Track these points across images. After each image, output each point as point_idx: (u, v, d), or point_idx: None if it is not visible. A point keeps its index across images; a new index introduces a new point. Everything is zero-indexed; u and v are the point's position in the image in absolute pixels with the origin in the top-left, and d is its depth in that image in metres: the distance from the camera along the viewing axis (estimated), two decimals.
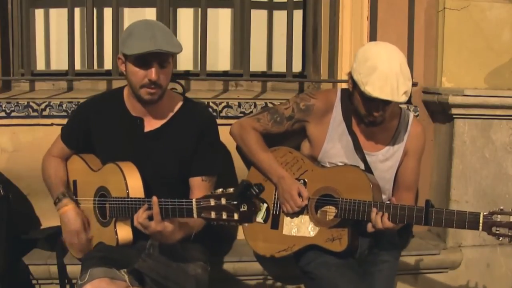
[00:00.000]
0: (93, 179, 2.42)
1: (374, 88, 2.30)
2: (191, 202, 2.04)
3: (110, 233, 2.33)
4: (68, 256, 2.66)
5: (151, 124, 2.43)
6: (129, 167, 2.32)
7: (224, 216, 1.95)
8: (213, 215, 1.97)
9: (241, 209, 1.93)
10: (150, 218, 2.12)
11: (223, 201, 1.95)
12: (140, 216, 2.13)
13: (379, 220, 2.32)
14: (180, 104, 2.47)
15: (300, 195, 2.50)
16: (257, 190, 1.94)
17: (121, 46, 2.30)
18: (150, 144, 2.41)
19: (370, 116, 2.44)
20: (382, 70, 2.30)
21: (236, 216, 1.94)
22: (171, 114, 2.44)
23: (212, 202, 1.97)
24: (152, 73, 2.25)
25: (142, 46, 2.20)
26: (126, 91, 2.47)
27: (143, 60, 2.25)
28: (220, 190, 1.98)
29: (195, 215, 2.03)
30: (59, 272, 2.65)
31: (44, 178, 2.58)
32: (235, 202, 1.93)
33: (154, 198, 2.11)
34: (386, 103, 2.35)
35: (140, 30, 2.26)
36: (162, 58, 2.26)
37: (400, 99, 2.31)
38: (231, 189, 1.96)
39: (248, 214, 1.94)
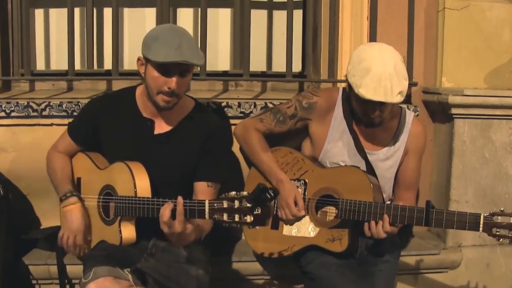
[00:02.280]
0: (98, 177, 2.41)
1: (368, 90, 2.30)
2: (204, 203, 2.05)
3: (114, 232, 2.33)
4: (68, 256, 2.65)
5: (161, 127, 2.42)
6: (137, 167, 2.32)
7: (237, 218, 1.97)
8: (225, 217, 1.99)
9: (255, 212, 1.95)
10: (173, 216, 2.10)
11: (236, 203, 1.96)
12: (166, 215, 2.10)
13: (381, 231, 2.33)
14: (191, 109, 2.47)
15: (296, 204, 2.50)
16: (272, 194, 1.96)
17: (144, 48, 2.27)
18: (157, 147, 2.41)
19: (367, 117, 2.44)
20: (376, 72, 2.29)
21: (249, 219, 1.95)
22: (181, 119, 2.44)
23: (225, 204, 1.98)
24: (173, 82, 2.24)
25: (168, 55, 2.19)
26: (139, 91, 2.46)
27: (166, 68, 2.23)
28: (234, 193, 1.99)
29: (207, 216, 2.04)
30: (59, 272, 2.64)
31: (48, 172, 2.56)
32: (249, 205, 1.95)
33: (179, 198, 2.09)
34: (382, 104, 2.35)
35: (166, 36, 2.24)
36: (185, 68, 2.26)
37: (394, 99, 2.31)
38: (244, 192, 1.98)
39: (262, 218, 1.97)
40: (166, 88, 2.25)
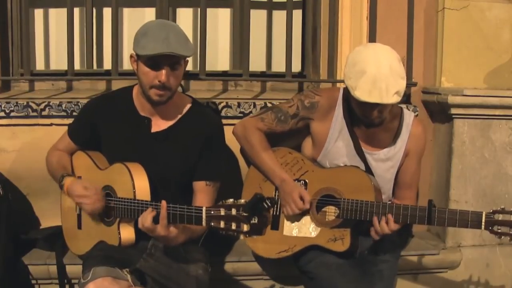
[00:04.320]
0: (98, 177, 2.41)
1: (363, 92, 2.30)
2: (201, 210, 2.05)
3: (113, 233, 2.33)
4: (67, 256, 2.66)
5: (158, 125, 2.43)
6: (137, 168, 2.32)
7: (233, 226, 1.97)
8: (222, 224, 1.99)
9: (251, 221, 1.95)
10: (155, 221, 2.12)
11: (233, 211, 1.97)
12: (146, 220, 2.12)
13: (385, 226, 2.33)
14: (188, 106, 2.47)
15: (301, 198, 2.49)
16: (269, 204, 1.97)
17: (134, 44, 2.29)
18: (155, 145, 2.41)
19: (367, 118, 2.44)
20: (370, 73, 2.29)
21: (245, 228, 1.96)
22: (178, 117, 2.44)
23: (222, 212, 1.99)
24: (163, 75, 2.25)
25: (154, 48, 2.20)
26: (135, 90, 2.47)
27: (154, 62, 2.24)
28: (231, 200, 2.00)
29: (204, 223, 2.04)
30: (58, 272, 2.65)
31: (48, 170, 2.57)
32: (245, 214, 1.95)
33: (163, 203, 2.11)
34: (379, 105, 2.34)
35: (154, 31, 2.25)
36: (174, 60, 2.26)
37: (390, 100, 2.29)
38: (242, 201, 1.98)
39: (258, 227, 1.97)
40: (157, 82, 2.26)
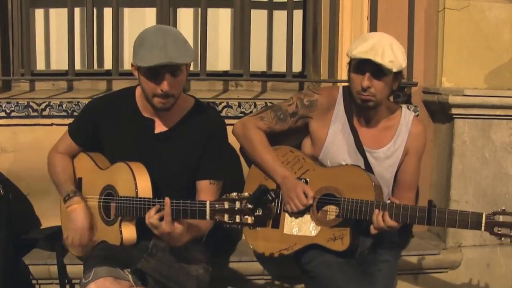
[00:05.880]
0: (99, 177, 2.41)
1: (359, 51, 2.37)
2: (205, 204, 2.05)
3: (114, 232, 2.33)
4: (68, 256, 2.66)
5: (161, 126, 2.43)
6: (139, 167, 2.32)
7: (238, 219, 1.98)
8: (226, 218, 2.00)
9: (256, 213, 1.96)
10: (161, 218, 2.12)
11: (238, 204, 1.98)
12: (152, 216, 2.13)
13: (381, 220, 2.32)
14: (191, 107, 2.47)
15: (305, 194, 2.49)
16: (273, 196, 1.99)
17: (133, 54, 2.26)
18: (159, 146, 2.41)
19: (360, 92, 2.43)
20: (372, 41, 2.38)
21: (250, 220, 1.97)
22: (181, 117, 2.44)
23: (226, 205, 2.00)
24: (164, 85, 2.22)
25: (152, 58, 2.16)
26: (138, 91, 2.46)
27: (154, 72, 2.21)
28: (235, 193, 2.01)
29: (208, 217, 2.05)
30: (59, 272, 2.64)
31: (50, 174, 2.56)
32: (250, 206, 1.95)
33: (167, 199, 2.11)
34: (373, 73, 2.38)
35: (151, 39, 2.20)
36: (174, 68, 2.23)
37: (382, 61, 2.34)
38: (246, 194, 1.99)
39: (262, 219, 1.98)
40: (160, 91, 2.24)
